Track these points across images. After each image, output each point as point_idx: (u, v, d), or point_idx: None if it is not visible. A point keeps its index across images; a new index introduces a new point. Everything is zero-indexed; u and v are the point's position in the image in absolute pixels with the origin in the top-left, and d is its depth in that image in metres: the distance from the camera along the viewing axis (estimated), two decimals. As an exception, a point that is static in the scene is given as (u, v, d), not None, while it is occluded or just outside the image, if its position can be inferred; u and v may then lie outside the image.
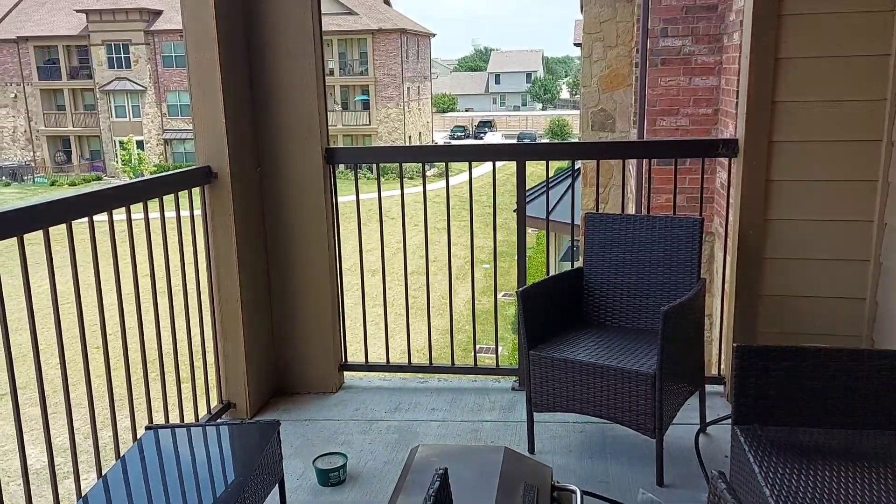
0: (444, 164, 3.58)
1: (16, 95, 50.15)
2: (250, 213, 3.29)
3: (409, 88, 49.92)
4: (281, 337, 3.51)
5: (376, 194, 3.50)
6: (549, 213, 3.66)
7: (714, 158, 3.61)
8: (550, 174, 3.52)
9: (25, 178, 47.92)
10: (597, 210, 6.24)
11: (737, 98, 3.29)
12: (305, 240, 3.41)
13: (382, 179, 3.55)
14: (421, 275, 3.79)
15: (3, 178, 47.00)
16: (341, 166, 3.47)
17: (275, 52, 3.24)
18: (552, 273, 3.24)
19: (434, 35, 56.58)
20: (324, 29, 3.33)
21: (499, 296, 4.38)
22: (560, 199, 8.89)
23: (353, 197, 3.54)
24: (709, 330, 3.94)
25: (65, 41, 49.36)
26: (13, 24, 50.26)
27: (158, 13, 48.83)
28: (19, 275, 2.14)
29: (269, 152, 3.33)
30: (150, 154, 47.97)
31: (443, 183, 3.62)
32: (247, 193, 3.25)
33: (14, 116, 50.39)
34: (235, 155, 3.13)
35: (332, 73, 46.77)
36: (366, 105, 49.16)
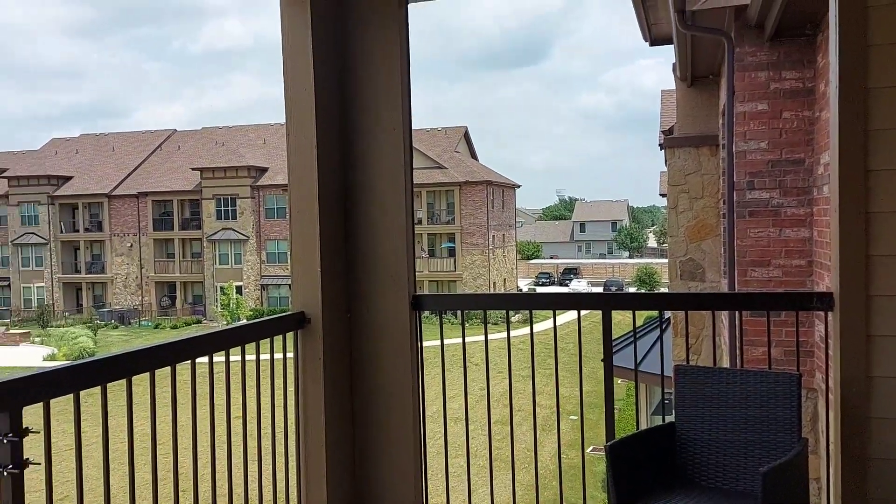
0: (528, 311, 3.61)
1: (131, 245, 54.36)
2: (338, 358, 3.38)
3: (494, 236, 51.16)
4: (363, 484, 3.47)
5: (460, 339, 3.54)
6: (637, 364, 3.59)
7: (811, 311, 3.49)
8: (639, 323, 3.48)
9: (132, 321, 50.81)
10: (687, 362, 6.04)
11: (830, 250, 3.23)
12: (390, 385, 3.44)
13: (466, 325, 3.60)
14: (504, 424, 3.73)
15: (112, 321, 49.98)
16: (426, 311, 3.55)
17: (369, 205, 3.45)
18: (643, 427, 3.12)
19: (519, 186, 58.56)
20: (414, 182, 3.54)
21: (587, 450, 4.22)
22: (649, 349, 8.66)
23: (437, 342, 3.59)
24: (816, 495, 3.63)
25: (179, 196, 53.85)
26: (136, 181, 55.47)
27: (264, 170, 52.92)
28: (115, 416, 2.25)
29: (359, 298, 3.46)
30: (248, 299, 50.25)
31: (527, 329, 3.64)
32: (336, 338, 3.35)
33: (128, 264, 54.35)
34: (328, 302, 3.27)
35: (420, 221, 48.74)
36: (451, 252, 50.50)
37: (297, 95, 3.24)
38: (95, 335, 43.70)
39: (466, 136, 56.24)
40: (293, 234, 3.29)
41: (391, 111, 3.38)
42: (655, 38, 7.96)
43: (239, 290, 49.54)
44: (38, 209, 55.33)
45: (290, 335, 3.19)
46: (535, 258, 78.51)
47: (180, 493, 2.47)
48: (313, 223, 3.22)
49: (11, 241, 55.37)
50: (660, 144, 9.72)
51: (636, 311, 3.41)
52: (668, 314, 8.09)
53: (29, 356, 39.90)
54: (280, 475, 3.09)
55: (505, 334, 3.56)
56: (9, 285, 55.64)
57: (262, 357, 3.00)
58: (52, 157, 58.72)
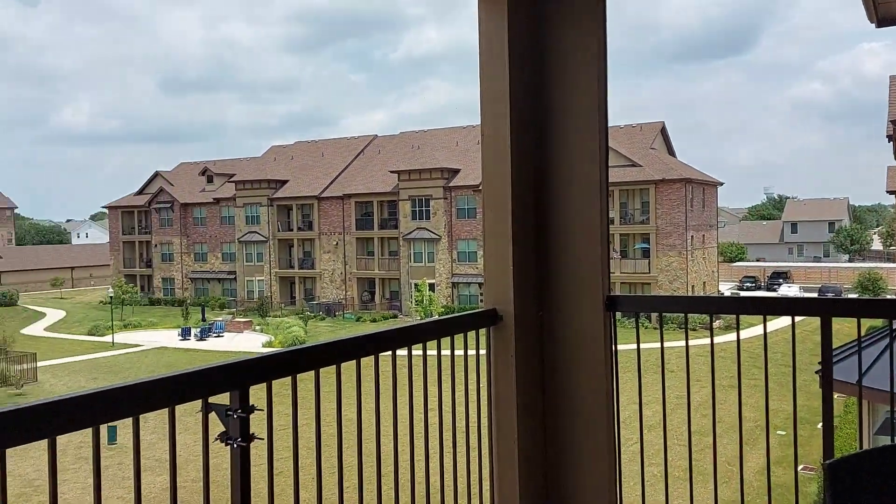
0: (734, 316, 3.37)
1: (337, 243, 58.54)
2: (530, 356, 3.38)
3: (692, 237, 48.62)
4: (555, 483, 3.45)
5: (658, 344, 3.39)
6: (861, 377, 3.23)
7: None
8: (862, 333, 3.13)
9: (337, 313, 54.72)
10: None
11: None
12: (582, 387, 3.39)
13: (664, 329, 3.44)
14: (703, 435, 3.51)
15: (320, 312, 54.15)
16: (619, 314, 3.45)
17: (562, 204, 3.41)
18: (865, 447, 2.79)
19: (721, 184, 55.14)
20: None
21: (798, 468, 3.87)
22: (874, 362, 7.77)
23: (632, 346, 3.47)
24: None
25: (379, 197, 57.10)
26: (341, 184, 59.64)
27: (456, 171, 54.54)
28: (325, 400, 2.42)
29: (551, 297, 3.44)
30: (440, 296, 52.08)
31: (729, 336, 3.41)
32: (528, 336, 3.36)
33: (333, 261, 58.59)
34: (520, 299, 3.28)
35: (612, 221, 47.54)
36: (645, 253, 48.70)
37: (492, 94, 3.28)
38: (306, 325, 47.64)
39: (663, 132, 54.01)
40: (486, 231, 3.34)
41: (587, 110, 3.32)
42: (883, 18, 7.10)
43: (431, 287, 51.48)
44: (259, 210, 61.38)
45: (482, 332, 3.25)
46: (738, 261, 73.53)
47: (382, 477, 2.60)
48: (506, 221, 3.25)
49: (238, 239, 61.93)
50: (888, 136, 8.67)
51: (861, 319, 3.07)
52: (897, 324, 7.21)
53: (250, 342, 44.42)
54: (473, 467, 3.15)
55: (704, 341, 3.37)
56: (235, 278, 62.31)
57: (453, 353, 3.08)
58: (271, 163, 64.87)
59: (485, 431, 3.25)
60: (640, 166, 48.67)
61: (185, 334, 46.80)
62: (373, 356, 2.61)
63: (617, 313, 3.43)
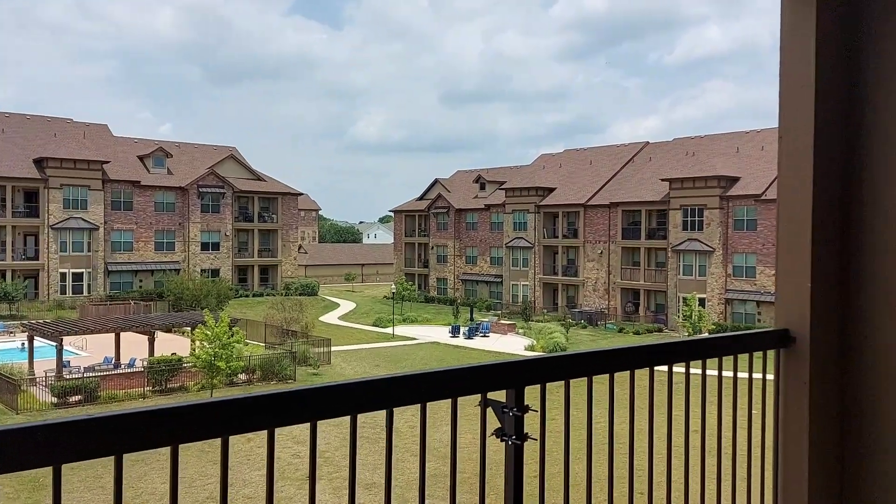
0: None
1: (602, 252, 57.98)
2: (827, 384, 3.02)
3: None
4: (849, 534, 3.04)
5: None
6: None
7: None
8: None
9: (598, 322, 54.19)
10: None
11: None
12: (891, 426, 2.94)
13: None
14: None
15: (581, 321, 54.05)
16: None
17: (873, 217, 3.00)
18: None
19: None
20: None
21: None
22: None
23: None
24: None
25: (647, 206, 55.44)
26: (608, 191, 58.96)
27: (735, 180, 50.93)
28: (597, 405, 2.39)
29: (856, 321, 3.04)
30: (711, 312, 49.02)
31: None
32: (826, 362, 3.00)
33: (598, 269, 58.14)
34: (818, 321, 2.95)
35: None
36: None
37: (792, 96, 3.00)
38: (567, 332, 47.88)
39: None
40: (780, 244, 3.06)
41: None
42: None
43: (702, 302, 48.63)
44: (526, 216, 63.14)
45: (770, 353, 2.98)
46: None
47: (653, 493, 2.50)
48: (805, 233, 2.95)
49: (505, 244, 64.30)
50: None
51: None
52: None
53: (514, 344, 45.82)
54: (755, 499, 2.90)
55: None
56: (501, 282, 64.76)
57: (739, 375, 2.86)
58: (539, 171, 66.35)
59: (769, 462, 2.97)
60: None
61: (455, 332, 49.68)
62: (647, 368, 2.52)
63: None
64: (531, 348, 44.44)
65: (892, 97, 2.95)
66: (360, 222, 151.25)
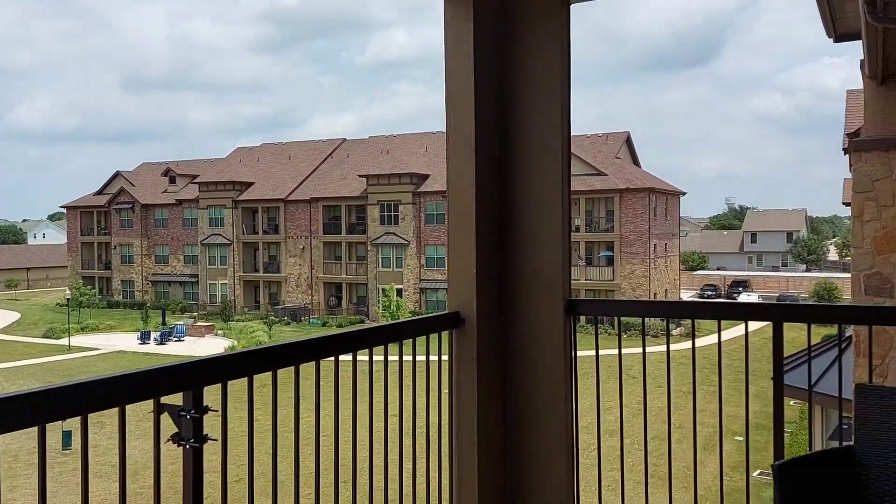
0: (690, 321, 3.43)
1: (303, 247, 58.01)
2: (491, 359, 3.39)
3: (655, 245, 49.29)
4: (514, 488, 3.46)
5: (616, 350, 3.43)
6: (812, 384, 3.30)
7: None
8: (815, 340, 3.21)
9: (302, 318, 54.20)
10: (870, 382, 5.47)
11: None
12: (542, 391, 3.40)
13: (624, 336, 3.49)
14: (663, 441, 3.56)
15: (285, 317, 53.60)
16: (581, 319, 3.47)
17: (526, 210, 3.43)
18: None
19: (684, 193, 56.04)
20: (572, 189, 3.48)
21: (753, 474, 3.94)
22: (826, 369, 7.96)
23: (592, 352, 3.50)
24: None
25: (347, 201, 56.77)
26: (309, 187, 59.18)
27: (425, 177, 54.53)
28: (283, 405, 2.40)
29: (513, 301, 3.45)
30: (408, 301, 51.94)
31: (688, 343, 3.45)
32: (490, 339, 3.37)
33: (300, 265, 58.05)
34: (482, 303, 3.29)
35: (577, 229, 47.98)
36: (610, 261, 49.24)
37: (457, 97, 3.29)
38: (270, 330, 47.10)
39: (628, 142, 54.69)
40: (450, 235, 3.35)
41: (550, 115, 3.35)
42: (841, 34, 7.30)
43: (399, 292, 51.33)
44: (223, 212, 60.57)
45: (445, 335, 3.25)
46: (699, 269, 74.68)
47: (340, 484, 2.58)
48: (470, 225, 3.26)
49: (201, 242, 61.04)
50: (844, 149, 8.92)
51: (812, 326, 3.14)
52: (849, 331, 7.39)
53: (212, 347, 43.78)
54: (433, 473, 3.15)
55: (663, 347, 3.42)
56: (197, 281, 61.35)
57: (418, 358, 3.08)
58: (236, 165, 64.09)
59: (446, 437, 3.24)
60: (606, 175, 49.22)
61: (145, 338, 45.94)
62: (332, 358, 2.59)
63: (579, 321, 3.46)
64: (232, 349, 42.90)
65: (532, 100, 3.39)
66: (24, 220, 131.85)
